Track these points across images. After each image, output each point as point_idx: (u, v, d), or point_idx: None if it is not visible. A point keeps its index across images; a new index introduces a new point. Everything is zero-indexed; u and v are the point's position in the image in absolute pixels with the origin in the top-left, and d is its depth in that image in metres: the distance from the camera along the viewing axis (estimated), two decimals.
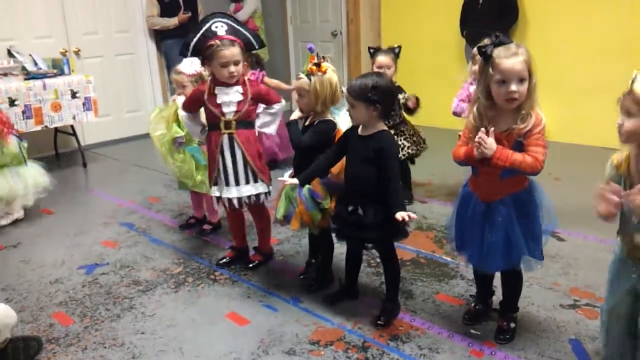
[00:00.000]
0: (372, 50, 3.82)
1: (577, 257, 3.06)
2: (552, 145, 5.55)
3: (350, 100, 2.34)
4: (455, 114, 3.73)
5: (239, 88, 2.82)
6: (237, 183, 2.89)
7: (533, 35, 5.39)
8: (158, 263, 3.25)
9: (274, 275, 3.05)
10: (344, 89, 2.40)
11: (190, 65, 3.28)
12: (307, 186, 2.58)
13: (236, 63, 2.73)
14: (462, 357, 2.29)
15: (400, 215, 2.23)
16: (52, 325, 2.64)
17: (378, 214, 2.35)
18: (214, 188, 2.95)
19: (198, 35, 2.73)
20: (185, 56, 2.87)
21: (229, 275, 3.06)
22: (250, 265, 3.14)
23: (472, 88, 3.62)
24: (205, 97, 2.83)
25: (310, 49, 2.60)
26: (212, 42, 2.69)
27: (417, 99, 3.77)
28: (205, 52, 2.74)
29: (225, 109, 2.81)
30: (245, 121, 2.86)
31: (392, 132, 3.94)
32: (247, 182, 2.90)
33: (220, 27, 2.72)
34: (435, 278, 2.94)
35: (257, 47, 2.90)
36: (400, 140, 3.93)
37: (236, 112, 2.82)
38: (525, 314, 2.58)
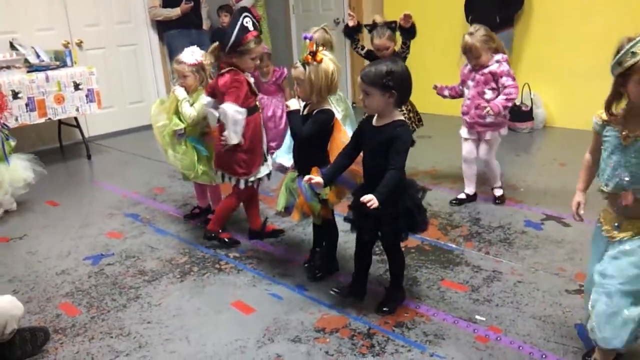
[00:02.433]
0: (368, 28, 3.76)
1: (582, 242, 3.05)
2: (557, 130, 5.57)
3: (364, 87, 2.27)
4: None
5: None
6: None
7: (537, 21, 5.36)
8: (163, 253, 3.25)
9: (279, 264, 3.05)
10: (358, 79, 2.32)
11: (192, 55, 3.26)
12: (306, 177, 2.58)
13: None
14: (468, 343, 2.30)
15: (369, 197, 2.15)
16: (58, 315, 2.66)
17: (395, 206, 2.30)
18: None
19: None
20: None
21: (234, 264, 3.07)
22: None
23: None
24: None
25: (306, 38, 2.58)
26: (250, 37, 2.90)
27: (408, 15, 3.61)
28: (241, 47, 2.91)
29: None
30: None
31: None
32: None
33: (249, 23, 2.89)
34: (440, 265, 2.94)
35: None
36: None
37: None
38: (531, 299, 2.57)
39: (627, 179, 1.82)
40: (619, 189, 1.85)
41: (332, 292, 2.62)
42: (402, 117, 2.35)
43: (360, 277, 2.64)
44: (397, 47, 3.76)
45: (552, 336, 2.30)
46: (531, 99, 5.35)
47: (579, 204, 2.06)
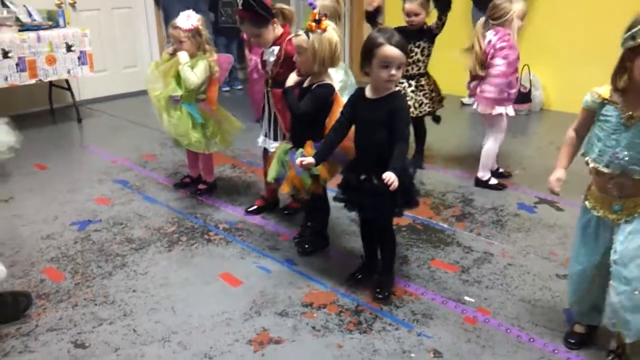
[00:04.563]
0: None
1: (575, 227, 3.02)
2: (554, 114, 5.51)
3: (403, 60, 2.16)
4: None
5: (275, 49, 2.88)
6: (269, 137, 3.07)
7: (540, 1, 5.26)
8: (152, 221, 3.21)
9: (269, 237, 3.02)
10: (392, 49, 2.12)
11: (187, 20, 3.16)
12: (299, 150, 2.52)
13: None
14: (456, 323, 2.28)
15: (389, 175, 2.06)
16: (42, 281, 2.62)
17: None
18: (260, 139, 3.14)
19: None
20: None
21: (224, 235, 3.03)
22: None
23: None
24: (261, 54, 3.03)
25: (311, 4, 2.50)
26: None
27: None
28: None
29: (267, 68, 2.96)
30: (280, 81, 2.83)
31: (413, 84, 3.76)
32: (276, 139, 3.01)
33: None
34: (431, 244, 2.91)
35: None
36: (419, 95, 3.79)
37: (271, 71, 2.92)
38: (521, 282, 2.56)
39: (626, 158, 1.78)
40: (619, 168, 1.81)
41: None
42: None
43: (370, 254, 2.59)
44: (430, 22, 3.69)
45: (540, 320, 2.29)
46: (530, 80, 5.29)
47: (558, 179, 2.01)
